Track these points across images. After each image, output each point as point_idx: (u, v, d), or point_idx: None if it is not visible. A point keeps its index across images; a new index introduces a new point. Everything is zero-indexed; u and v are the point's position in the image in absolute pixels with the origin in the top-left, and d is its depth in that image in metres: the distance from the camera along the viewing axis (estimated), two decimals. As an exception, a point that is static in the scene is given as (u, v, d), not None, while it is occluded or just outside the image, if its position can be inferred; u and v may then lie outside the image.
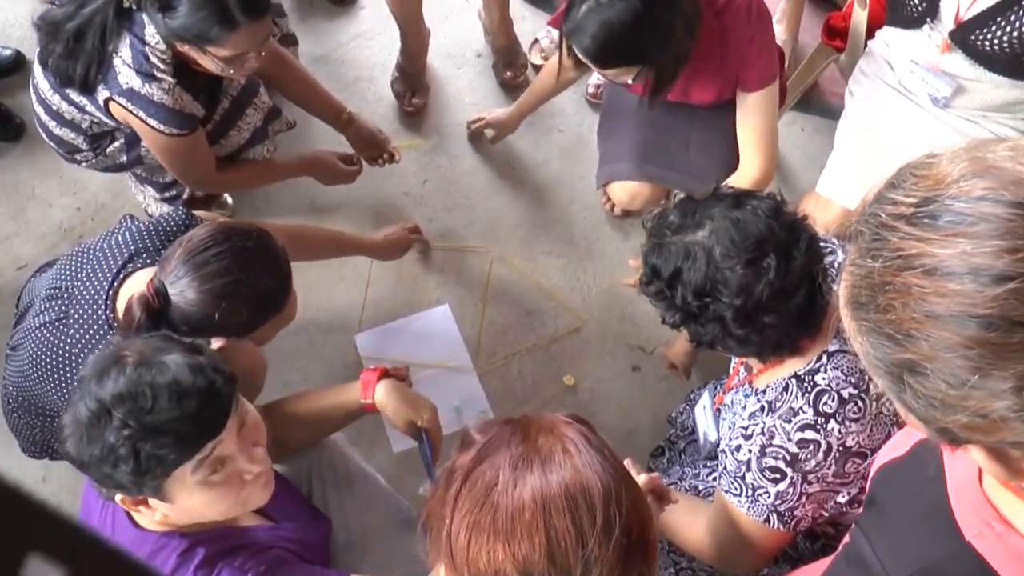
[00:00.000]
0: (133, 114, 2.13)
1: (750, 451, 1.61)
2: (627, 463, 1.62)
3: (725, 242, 1.49)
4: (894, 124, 2.28)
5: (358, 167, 2.65)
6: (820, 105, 2.97)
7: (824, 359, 1.60)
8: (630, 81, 2.08)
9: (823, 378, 1.58)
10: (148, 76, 2.09)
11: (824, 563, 1.48)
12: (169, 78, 2.10)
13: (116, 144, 2.42)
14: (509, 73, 3.04)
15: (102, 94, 2.14)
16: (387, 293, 2.77)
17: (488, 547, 1.05)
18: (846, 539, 1.27)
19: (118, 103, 2.13)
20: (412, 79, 2.99)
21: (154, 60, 2.07)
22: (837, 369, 1.59)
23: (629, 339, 2.71)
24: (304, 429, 1.92)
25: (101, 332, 1.87)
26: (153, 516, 1.42)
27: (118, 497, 1.39)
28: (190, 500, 1.39)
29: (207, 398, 1.35)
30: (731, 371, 1.94)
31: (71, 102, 2.26)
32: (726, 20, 2.06)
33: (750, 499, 1.64)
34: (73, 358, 1.92)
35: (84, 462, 1.34)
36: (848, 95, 2.42)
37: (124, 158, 2.46)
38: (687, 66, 2.06)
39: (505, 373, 2.66)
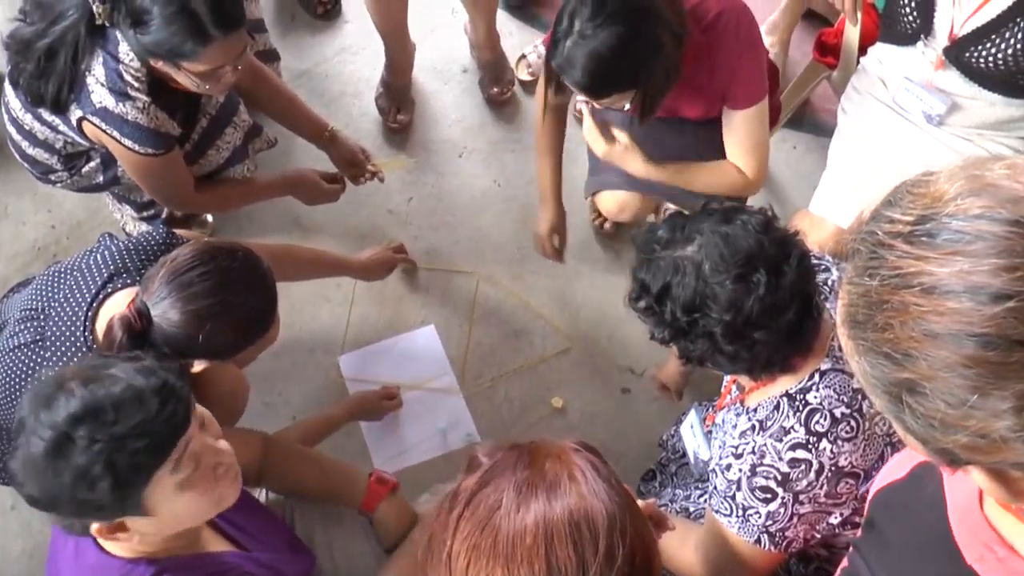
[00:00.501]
0: (107, 134, 2.11)
1: (740, 470, 1.61)
2: None
3: (715, 257, 1.50)
4: (887, 142, 2.29)
5: (341, 185, 2.64)
6: (812, 122, 2.98)
7: (816, 377, 1.60)
8: (627, 107, 2.08)
9: (815, 397, 1.59)
10: (122, 95, 2.07)
11: None
12: (144, 96, 2.08)
13: (92, 164, 2.40)
14: (495, 89, 3.04)
15: (75, 114, 2.12)
16: (371, 313, 2.76)
17: (487, 570, 1.04)
18: (844, 563, 1.27)
19: (91, 123, 2.11)
20: (397, 94, 2.99)
21: (128, 78, 2.05)
22: (830, 388, 1.59)
23: (619, 360, 2.70)
24: (296, 486, 1.95)
25: (80, 355, 1.85)
26: (130, 541, 1.40)
27: (94, 527, 1.37)
28: (173, 507, 1.38)
29: (166, 395, 1.36)
30: (723, 390, 1.93)
31: (43, 122, 2.24)
32: (713, 36, 2.06)
33: (740, 519, 1.63)
34: None
35: (54, 497, 1.32)
36: (841, 112, 2.43)
37: (100, 178, 2.44)
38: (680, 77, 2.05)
39: (492, 395, 2.65)
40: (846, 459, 1.57)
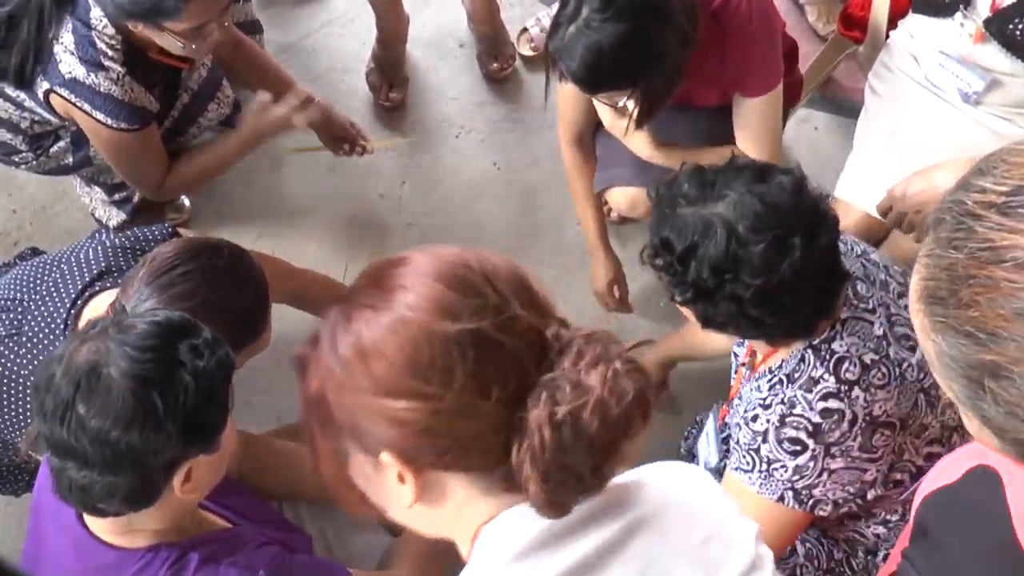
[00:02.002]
0: (76, 107, 2.06)
1: (768, 420, 1.62)
2: None
3: (750, 217, 1.49)
4: (920, 123, 2.26)
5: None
6: (835, 102, 2.95)
7: (838, 326, 1.62)
8: (620, 104, 2.06)
9: (840, 345, 1.60)
10: (94, 64, 2.01)
11: None
12: (118, 67, 2.03)
13: (60, 144, 2.35)
14: (495, 64, 3.00)
15: (41, 87, 2.07)
16: (361, 305, 2.72)
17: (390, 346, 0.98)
18: (891, 570, 1.25)
19: (59, 95, 2.06)
20: (389, 70, 2.93)
21: (101, 46, 2.00)
22: (854, 335, 1.61)
23: (627, 356, 2.66)
24: (289, 487, 1.92)
25: None
26: (191, 496, 1.40)
27: (177, 478, 1.35)
28: (230, 428, 1.41)
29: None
30: (732, 383, 1.94)
31: (7, 98, 2.19)
32: (724, 22, 2.06)
33: (764, 475, 1.64)
34: (21, 381, 1.86)
35: (139, 443, 1.30)
36: (868, 91, 2.41)
37: (70, 159, 2.39)
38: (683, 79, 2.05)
39: None
40: (880, 407, 1.59)
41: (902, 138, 2.28)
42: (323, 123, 2.50)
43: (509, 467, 0.96)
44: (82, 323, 1.79)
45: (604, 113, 2.25)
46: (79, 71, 2.02)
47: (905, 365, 1.61)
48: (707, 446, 2.07)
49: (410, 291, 0.98)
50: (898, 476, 1.67)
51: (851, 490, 1.65)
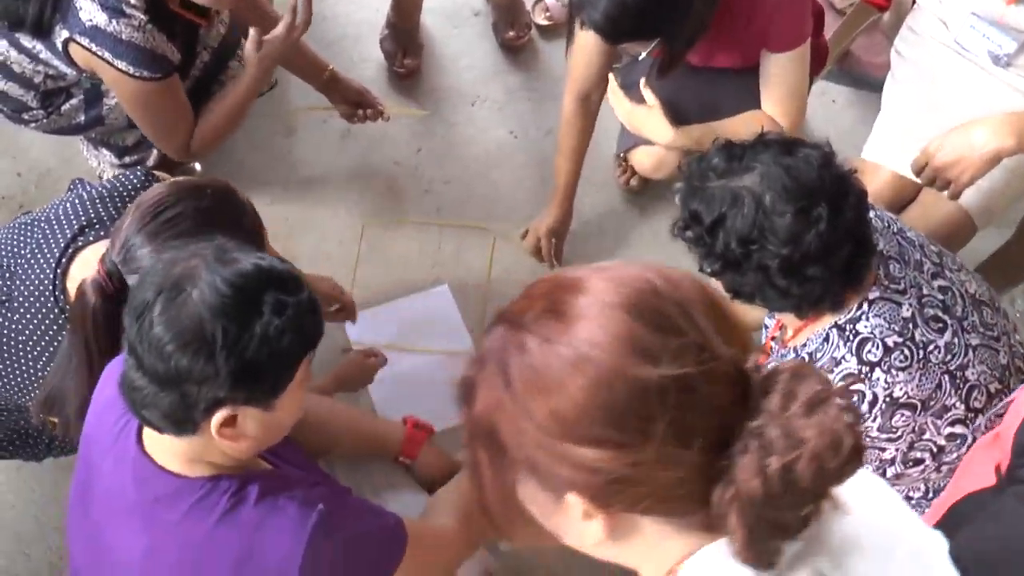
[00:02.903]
0: (98, 56, 2.06)
1: None
2: None
3: (777, 188, 1.55)
4: (949, 85, 2.31)
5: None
6: (853, 75, 3.00)
7: (865, 307, 1.66)
8: (643, 55, 2.10)
9: (865, 326, 1.65)
10: (115, 11, 2.02)
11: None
12: (140, 14, 2.04)
13: (73, 102, 2.35)
14: (511, 32, 3.02)
15: (60, 35, 2.07)
16: (378, 273, 2.74)
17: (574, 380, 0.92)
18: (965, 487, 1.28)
19: (79, 44, 2.06)
20: (404, 37, 2.96)
21: None
22: (879, 317, 1.66)
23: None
24: (325, 440, 1.93)
25: (51, 316, 1.82)
26: (232, 443, 1.40)
27: (217, 417, 1.36)
28: (286, 404, 1.42)
29: (304, 286, 1.43)
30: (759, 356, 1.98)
31: (22, 49, 2.19)
32: None
33: None
34: (20, 346, 1.86)
35: (197, 370, 1.33)
36: (894, 54, 2.45)
37: (81, 118, 2.39)
38: (709, 31, 2.08)
39: None
40: (901, 389, 1.64)
41: (931, 99, 2.32)
42: (339, 89, 2.54)
43: (708, 511, 0.92)
44: (71, 280, 1.79)
45: (619, 103, 2.31)
46: (100, 18, 2.03)
47: (931, 347, 1.66)
48: None
49: (595, 325, 0.92)
50: (918, 455, 1.72)
51: (868, 468, 1.67)
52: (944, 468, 1.74)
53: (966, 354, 1.69)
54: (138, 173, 1.95)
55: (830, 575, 0.97)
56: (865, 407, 1.64)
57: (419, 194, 2.85)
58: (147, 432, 1.48)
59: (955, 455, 1.72)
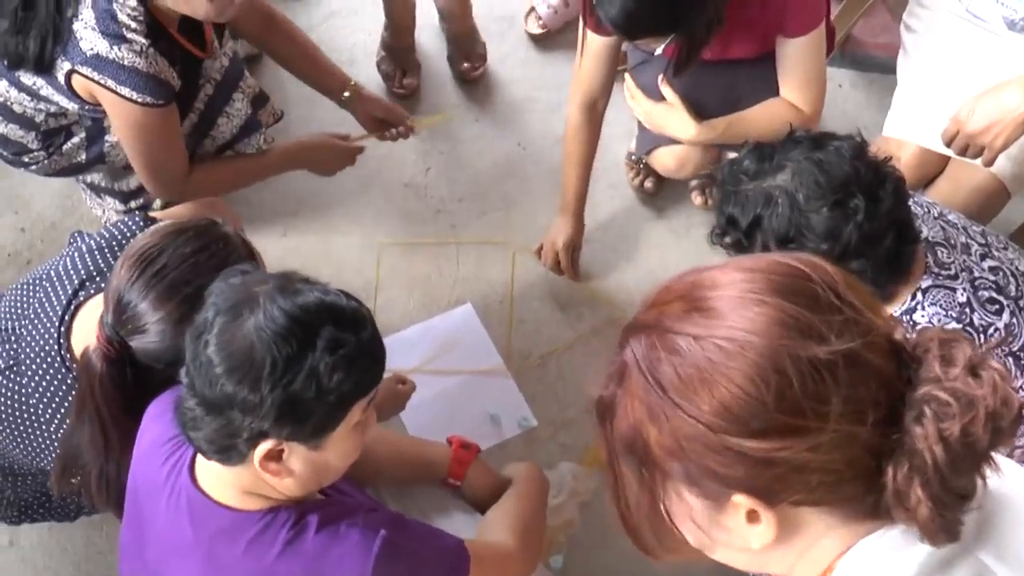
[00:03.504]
0: (101, 84, 2.06)
1: None
2: None
3: (810, 184, 1.56)
4: (965, 53, 2.31)
5: (358, 144, 2.58)
6: (855, 58, 3.04)
7: (919, 296, 1.66)
8: (659, 51, 2.12)
9: (922, 315, 1.65)
10: (116, 37, 2.02)
11: None
12: (141, 39, 2.04)
13: (74, 140, 2.35)
14: (466, 64, 3.03)
15: (62, 68, 2.06)
16: (399, 296, 2.75)
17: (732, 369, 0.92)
18: None
19: (82, 74, 2.05)
20: (401, 57, 2.98)
21: (123, 18, 2.01)
22: (935, 304, 1.66)
23: (678, 324, 2.70)
24: (367, 467, 1.87)
25: (59, 376, 1.80)
26: (277, 479, 1.40)
27: (261, 449, 1.36)
28: (338, 447, 1.42)
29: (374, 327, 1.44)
30: None
31: (22, 88, 2.19)
32: None
33: None
34: (32, 410, 1.85)
35: (242, 399, 1.32)
36: (904, 30, 2.47)
37: (83, 156, 2.39)
38: (723, 23, 2.08)
39: (543, 375, 2.65)
40: None
41: (949, 69, 2.33)
42: (364, 105, 2.55)
43: (880, 494, 0.92)
44: (75, 337, 1.78)
45: (638, 103, 2.33)
46: (101, 46, 2.02)
47: (991, 330, 1.66)
48: None
49: (750, 313, 0.92)
50: None
51: None
52: (1017, 452, 1.72)
53: None
54: (136, 219, 1.95)
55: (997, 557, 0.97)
56: None
57: (432, 214, 2.86)
58: (200, 467, 1.48)
59: None
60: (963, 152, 2.03)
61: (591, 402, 1.03)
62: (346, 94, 2.55)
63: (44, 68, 2.10)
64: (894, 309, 1.68)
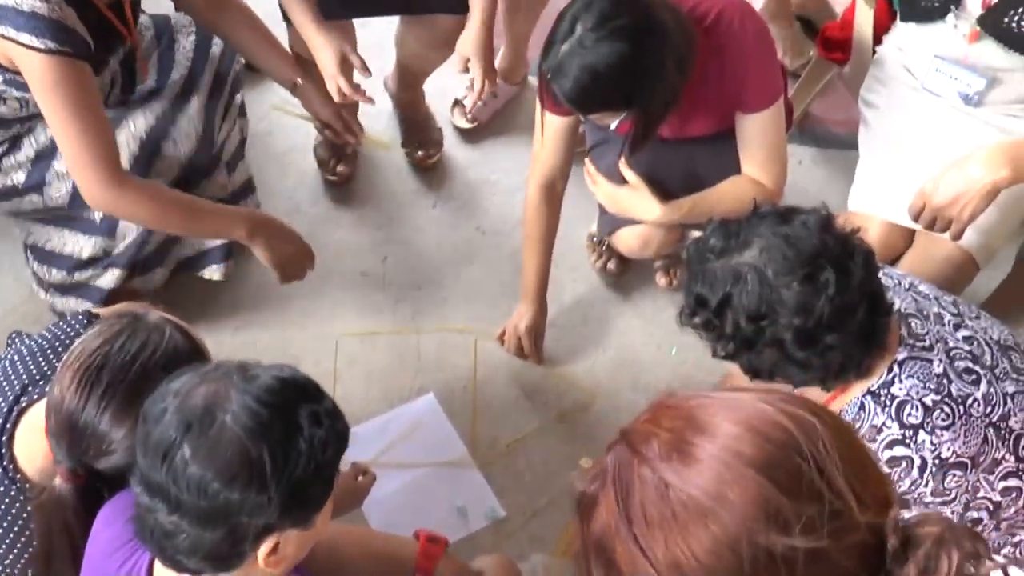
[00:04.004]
0: (3, 36, 1.98)
1: None
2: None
3: (778, 259, 1.56)
4: (925, 127, 2.36)
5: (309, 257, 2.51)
6: (814, 135, 3.09)
7: (896, 368, 1.67)
8: (613, 125, 2.14)
9: (900, 388, 1.66)
10: None
11: None
12: None
13: (18, 157, 2.28)
14: (420, 153, 3.03)
15: None
16: (358, 388, 2.70)
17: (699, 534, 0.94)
18: None
19: None
20: (337, 147, 2.94)
21: None
22: (912, 376, 1.66)
23: (647, 410, 2.69)
24: (331, 564, 1.87)
25: (2, 488, 1.73)
26: (276, 569, 1.39)
27: (264, 548, 1.35)
28: (326, 515, 1.42)
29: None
30: None
31: None
32: (717, 37, 2.12)
33: None
34: None
35: (244, 500, 1.30)
36: (863, 105, 2.51)
37: (21, 177, 2.32)
38: (680, 101, 2.11)
39: (510, 463, 2.61)
40: (949, 448, 1.63)
41: (910, 143, 2.37)
42: (314, 89, 2.53)
43: None
44: (17, 445, 1.73)
45: (601, 188, 2.37)
46: None
47: (970, 401, 1.66)
48: None
49: (727, 480, 0.92)
50: (975, 515, 1.70)
51: None
52: (1003, 524, 1.73)
53: (1005, 403, 1.69)
54: (79, 317, 1.89)
55: None
56: (915, 472, 1.64)
57: (391, 303, 2.83)
58: (159, 572, 1.44)
59: (1012, 510, 1.70)
60: (931, 226, 2.03)
61: (572, 493, 1.04)
62: (299, 81, 2.52)
63: None
64: (871, 383, 1.67)
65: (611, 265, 2.87)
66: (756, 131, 2.26)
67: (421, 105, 3.06)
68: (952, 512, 1.67)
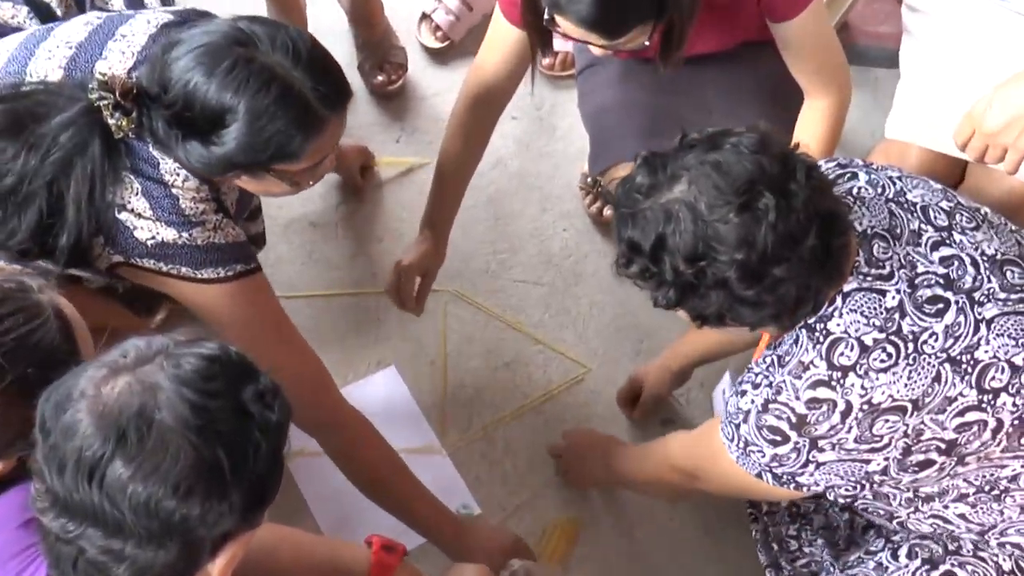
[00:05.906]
0: (167, 275, 1.95)
1: (752, 402, 1.74)
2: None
3: (710, 190, 1.57)
4: (981, 37, 2.25)
5: None
6: (855, 51, 2.97)
7: (838, 301, 1.67)
8: (647, 43, 2.02)
9: (837, 324, 1.67)
10: (185, 224, 1.92)
11: None
12: (213, 216, 1.94)
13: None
14: (380, 77, 2.94)
15: (107, 260, 1.94)
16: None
17: None
18: None
19: (140, 266, 1.94)
20: None
21: (186, 204, 1.90)
22: (855, 311, 1.66)
23: (655, 383, 2.56)
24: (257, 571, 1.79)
25: None
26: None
27: (221, 560, 1.32)
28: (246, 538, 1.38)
29: None
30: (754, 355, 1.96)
31: None
32: None
33: (741, 451, 1.79)
34: None
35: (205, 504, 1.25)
36: (906, 8, 2.41)
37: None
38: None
39: (488, 450, 2.52)
40: (883, 393, 1.64)
41: (961, 56, 2.25)
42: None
43: None
44: None
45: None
46: (167, 234, 1.90)
47: (925, 336, 1.65)
48: (721, 401, 2.23)
49: None
50: (921, 457, 1.71)
51: (851, 479, 1.75)
52: (970, 459, 1.72)
53: (976, 331, 1.66)
54: None
55: None
56: (836, 417, 1.66)
57: (346, 259, 2.73)
58: None
59: (977, 443, 1.69)
60: (981, 156, 1.93)
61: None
62: None
63: (77, 264, 1.95)
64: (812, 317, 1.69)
65: (608, 211, 2.73)
66: (801, 37, 2.19)
67: (379, 18, 2.95)
68: (886, 459, 1.71)
